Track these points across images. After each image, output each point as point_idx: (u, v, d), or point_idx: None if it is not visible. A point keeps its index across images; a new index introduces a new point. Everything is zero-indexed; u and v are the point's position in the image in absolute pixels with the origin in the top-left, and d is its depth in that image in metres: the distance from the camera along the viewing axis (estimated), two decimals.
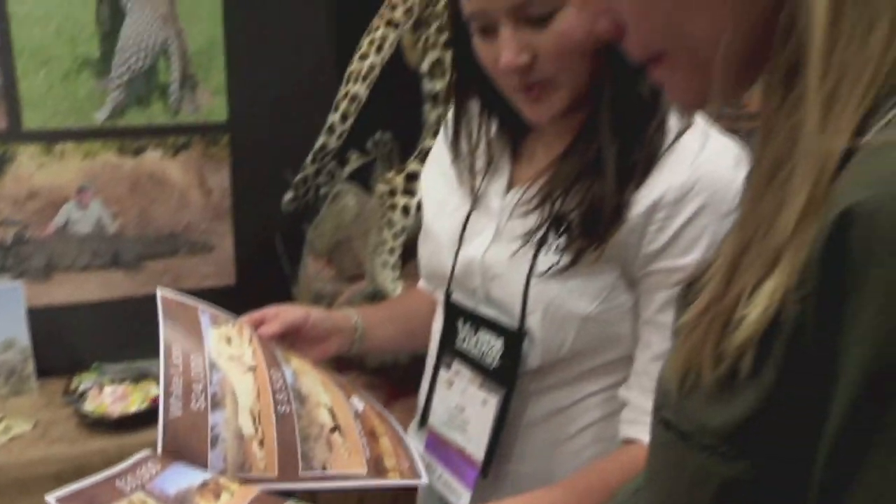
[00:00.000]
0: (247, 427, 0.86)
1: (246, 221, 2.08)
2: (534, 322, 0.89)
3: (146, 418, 1.68)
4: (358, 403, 1.01)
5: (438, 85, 1.63)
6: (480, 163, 1.00)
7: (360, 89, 1.61)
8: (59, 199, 1.93)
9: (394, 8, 1.63)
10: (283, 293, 1.89)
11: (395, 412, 1.10)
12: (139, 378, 1.87)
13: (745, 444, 0.44)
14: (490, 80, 0.90)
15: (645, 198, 0.85)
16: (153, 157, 2.00)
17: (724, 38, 0.47)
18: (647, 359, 0.88)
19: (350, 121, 1.64)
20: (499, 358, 0.92)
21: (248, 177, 2.06)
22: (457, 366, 0.99)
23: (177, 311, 0.98)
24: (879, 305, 0.35)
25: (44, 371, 1.89)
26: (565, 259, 0.87)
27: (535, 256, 0.89)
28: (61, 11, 1.86)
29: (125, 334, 1.99)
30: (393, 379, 1.55)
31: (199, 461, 0.82)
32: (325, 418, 0.93)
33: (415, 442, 1.04)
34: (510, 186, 0.97)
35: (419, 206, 1.60)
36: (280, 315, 1.03)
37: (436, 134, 1.60)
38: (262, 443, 0.86)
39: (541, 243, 0.89)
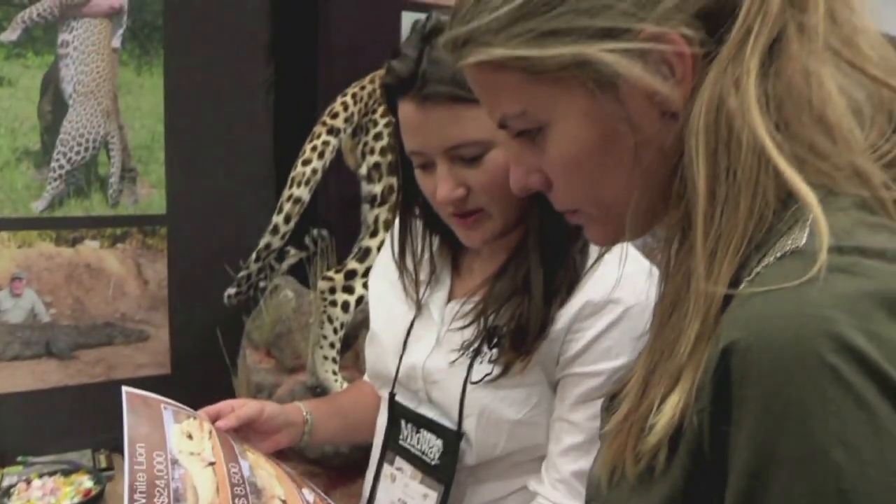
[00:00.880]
0: None
1: (182, 312, 2.12)
2: (470, 425, 0.99)
3: None
4: (308, 495, 1.08)
5: (376, 188, 1.75)
6: (424, 274, 1.10)
7: (303, 193, 1.72)
8: None
9: (335, 116, 1.76)
10: (219, 383, 1.92)
11: (336, 500, 1.17)
12: (70, 472, 1.84)
13: None
14: (431, 204, 1.02)
15: (566, 313, 0.96)
16: (90, 248, 2.03)
17: (633, 198, 0.61)
18: (557, 453, 0.97)
19: (293, 222, 1.74)
20: (438, 456, 1.01)
21: (185, 268, 2.11)
22: (399, 462, 1.07)
23: (140, 408, 1.02)
24: (755, 417, 0.48)
25: None
26: (496, 370, 0.97)
27: (470, 366, 0.99)
28: (2, 103, 1.91)
29: (55, 426, 1.98)
30: (334, 467, 1.61)
31: None
32: None
33: None
34: (450, 298, 1.08)
35: (358, 302, 1.70)
36: (236, 409, 1.08)
37: (373, 234, 1.72)
38: None
39: (475, 354, 0.99)
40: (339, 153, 1.80)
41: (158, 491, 0.93)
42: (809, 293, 0.47)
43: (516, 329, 0.96)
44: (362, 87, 1.77)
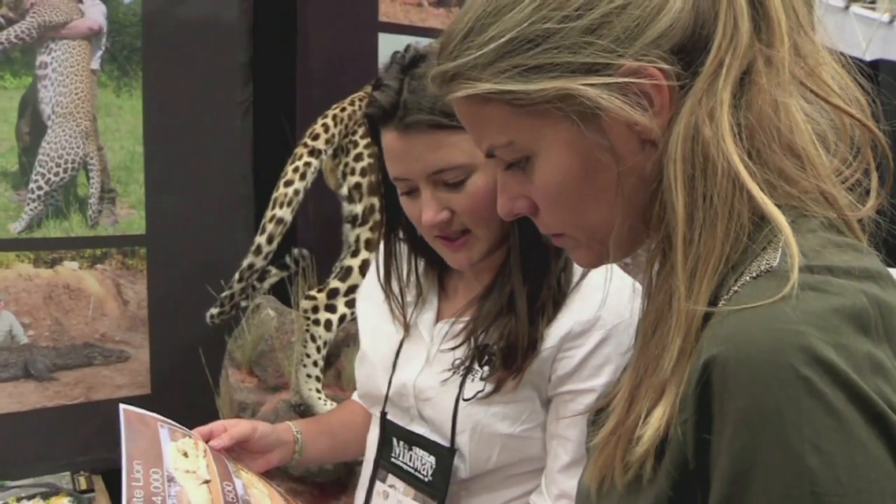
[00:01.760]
0: None
1: (162, 332, 2.12)
2: (463, 441, 1.01)
3: None
4: None
5: (357, 207, 1.78)
6: (411, 296, 1.13)
7: (285, 213, 1.74)
8: None
9: (315, 137, 1.79)
10: (201, 403, 1.93)
11: None
12: (49, 494, 1.83)
13: None
14: (416, 227, 1.05)
15: (556, 332, 0.99)
16: (69, 269, 2.03)
17: (616, 223, 0.65)
18: (557, 469, 1.00)
19: (276, 242, 1.75)
20: (431, 473, 1.03)
21: (165, 288, 2.12)
22: (392, 479, 1.09)
23: (137, 426, 1.03)
24: (735, 426, 0.51)
25: None
26: (488, 387, 1.00)
27: (462, 383, 1.02)
28: None
29: (34, 448, 1.97)
30: (318, 484, 1.62)
31: None
32: None
33: None
34: (438, 318, 1.11)
35: (340, 321, 1.73)
36: (228, 429, 1.10)
37: (354, 253, 1.74)
38: None
39: (467, 372, 1.02)
40: (319, 173, 1.82)
41: None
42: (783, 310, 0.51)
43: (506, 347, 0.99)
44: (342, 109, 1.80)
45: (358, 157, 1.79)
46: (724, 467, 0.52)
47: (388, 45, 2.31)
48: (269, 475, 1.44)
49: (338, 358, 1.85)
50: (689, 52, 0.60)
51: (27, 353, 1.99)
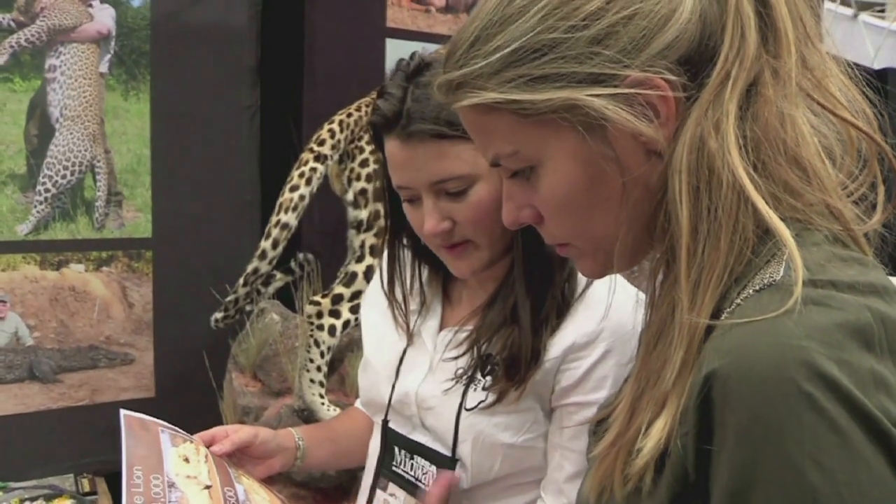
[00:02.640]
0: None
1: (167, 335, 2.12)
2: (465, 450, 1.01)
3: None
4: None
5: (362, 213, 1.78)
6: (414, 304, 1.13)
7: (291, 218, 1.74)
8: None
9: (322, 143, 1.79)
10: (204, 406, 1.93)
11: None
12: (52, 496, 1.84)
13: None
14: (419, 236, 1.04)
15: (559, 343, 0.99)
16: (75, 271, 2.04)
17: (621, 233, 0.64)
18: (563, 480, 0.99)
19: (280, 247, 1.76)
20: (433, 482, 1.02)
21: (170, 291, 2.12)
22: (392, 488, 1.09)
23: (138, 431, 1.03)
24: (736, 441, 0.51)
25: None
26: (491, 397, 0.99)
27: (464, 393, 1.01)
28: None
29: (38, 450, 1.98)
30: (320, 490, 1.62)
31: None
32: None
33: None
34: (442, 327, 1.10)
35: (344, 326, 1.72)
36: (230, 435, 1.09)
37: (359, 259, 1.74)
38: None
39: (469, 381, 1.01)
40: (325, 179, 1.83)
41: None
42: (786, 324, 0.51)
43: (508, 358, 0.98)
44: (349, 115, 1.80)
45: (363, 163, 1.79)
46: (724, 482, 0.51)
47: (396, 51, 2.31)
48: (271, 480, 1.44)
49: (342, 363, 1.85)
50: (696, 63, 0.60)
51: (32, 355, 2.00)
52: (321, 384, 1.71)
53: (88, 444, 2.02)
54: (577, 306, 1.00)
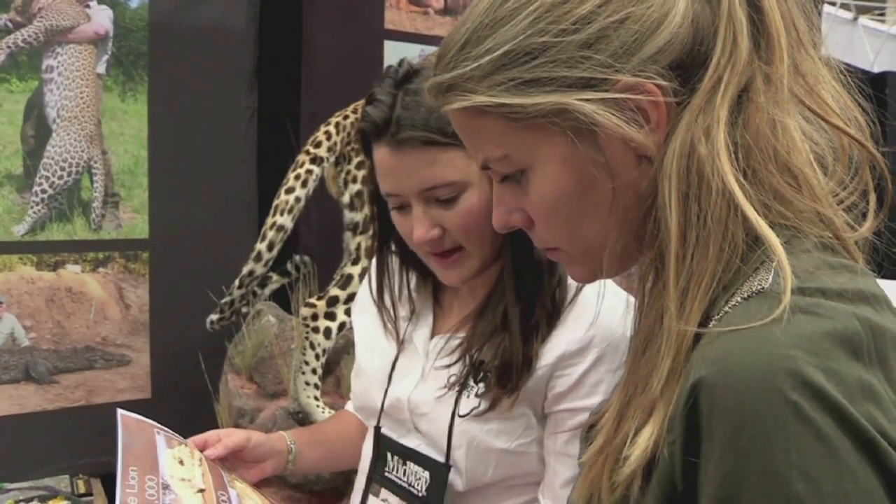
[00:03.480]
0: None
1: (163, 336, 2.12)
2: (459, 456, 1.00)
3: None
4: None
5: (358, 216, 1.78)
6: (404, 311, 1.12)
7: (286, 221, 1.74)
8: None
9: (318, 145, 1.78)
10: (200, 408, 1.92)
11: None
12: (47, 497, 1.83)
13: None
14: (407, 244, 1.04)
15: (551, 350, 0.98)
16: (72, 272, 2.04)
17: (610, 239, 0.64)
18: (559, 485, 0.99)
19: (276, 249, 1.75)
20: (426, 488, 1.03)
21: (167, 293, 2.12)
22: (385, 493, 1.08)
23: (135, 431, 1.03)
24: (722, 450, 0.51)
25: None
26: (484, 404, 0.99)
27: (457, 400, 1.01)
28: None
29: (33, 451, 1.97)
30: (315, 492, 1.62)
31: None
32: None
33: None
34: (433, 334, 1.10)
35: (340, 329, 1.72)
36: (223, 439, 1.10)
37: (355, 261, 1.74)
38: None
39: (462, 387, 1.01)
40: (321, 181, 1.82)
41: None
42: (773, 333, 0.50)
43: (500, 366, 0.98)
44: (345, 117, 1.80)
45: (360, 165, 1.79)
46: (711, 491, 0.51)
47: (394, 53, 2.31)
48: (265, 483, 1.44)
49: (337, 365, 1.84)
50: (688, 68, 0.60)
51: (28, 356, 1.99)
52: (316, 386, 1.71)
53: (84, 445, 2.01)
54: (567, 313, 1.00)
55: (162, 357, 2.12)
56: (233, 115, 2.17)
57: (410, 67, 0.96)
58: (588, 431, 0.71)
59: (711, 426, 0.51)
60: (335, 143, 1.79)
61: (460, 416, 1.00)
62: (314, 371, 1.70)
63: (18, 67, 1.93)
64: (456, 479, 1.01)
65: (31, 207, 1.97)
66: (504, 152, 0.65)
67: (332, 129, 1.78)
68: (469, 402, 1.00)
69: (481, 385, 1.00)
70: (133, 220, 2.10)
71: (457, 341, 1.04)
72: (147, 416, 1.09)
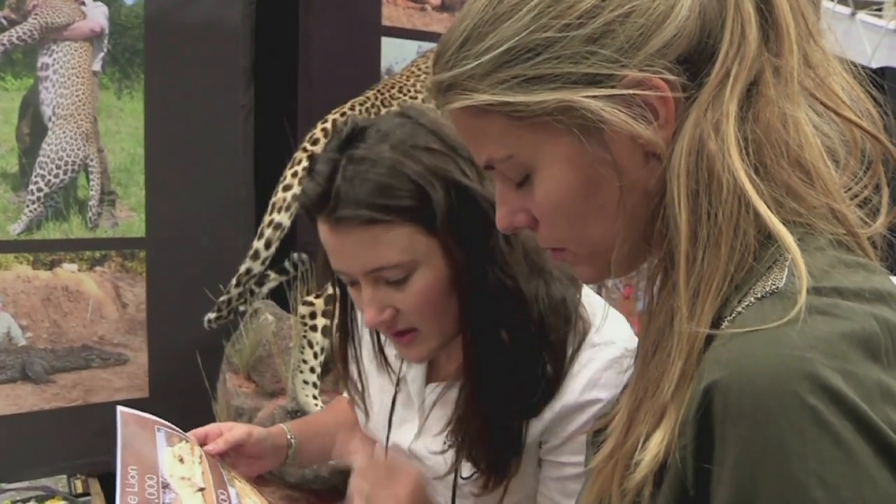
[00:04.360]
0: None
1: (161, 335, 2.11)
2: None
3: None
4: None
5: None
6: (395, 351, 1.04)
7: (284, 218, 1.73)
8: None
9: (315, 142, 1.78)
10: (198, 407, 1.91)
11: None
12: (44, 497, 1.82)
13: None
14: None
15: (542, 420, 0.91)
16: (68, 271, 2.02)
17: (618, 239, 0.63)
18: None
19: (273, 247, 1.74)
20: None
21: (164, 291, 2.10)
22: None
23: (135, 429, 1.01)
24: (736, 456, 0.49)
25: None
26: (481, 481, 0.94)
27: (457, 459, 0.95)
28: None
29: (30, 451, 1.96)
30: (313, 491, 1.61)
31: None
32: None
33: None
34: (428, 379, 1.04)
35: None
36: (224, 433, 1.08)
37: None
38: None
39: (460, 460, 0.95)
40: None
41: None
42: (789, 334, 0.49)
43: (487, 469, 0.93)
44: (342, 114, 1.79)
45: None
46: (724, 497, 0.50)
47: (391, 50, 2.30)
48: (264, 480, 1.43)
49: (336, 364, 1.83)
50: (696, 62, 0.58)
51: (25, 355, 1.98)
52: (314, 385, 1.70)
53: (81, 444, 2.00)
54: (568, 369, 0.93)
55: (159, 356, 2.11)
56: (229, 112, 2.15)
57: (356, 127, 0.89)
58: (595, 436, 0.70)
59: (725, 431, 0.49)
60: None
61: (463, 479, 0.96)
62: (312, 370, 1.69)
63: (13, 65, 1.91)
64: None
65: (27, 206, 1.96)
66: (507, 152, 0.63)
67: (329, 126, 1.77)
68: (469, 467, 0.95)
69: (474, 472, 0.95)
70: (130, 219, 2.08)
71: (453, 393, 0.97)
72: None
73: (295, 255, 2.04)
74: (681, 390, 0.54)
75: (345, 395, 1.27)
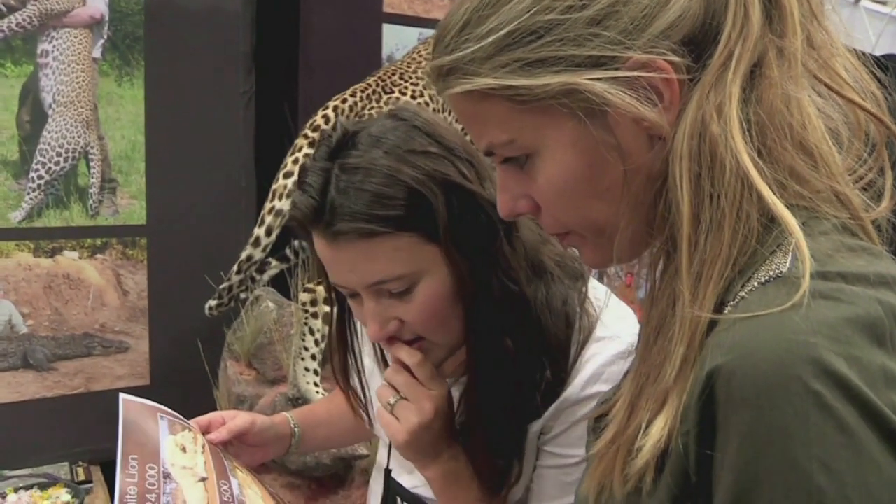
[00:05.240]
0: None
1: (162, 323, 2.11)
2: None
3: None
4: None
5: None
6: None
7: (285, 205, 1.72)
8: None
9: (316, 129, 1.77)
10: (199, 395, 1.92)
11: None
12: (47, 485, 1.82)
13: None
14: None
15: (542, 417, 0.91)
16: (69, 258, 2.02)
17: (622, 222, 0.62)
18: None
19: (274, 234, 1.74)
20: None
21: (165, 279, 2.10)
22: None
23: (136, 417, 1.00)
24: (739, 441, 0.48)
25: None
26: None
27: None
28: None
29: (32, 438, 1.96)
30: (315, 479, 1.61)
31: None
32: None
33: None
34: None
35: None
36: (227, 422, 1.07)
37: None
38: None
39: None
40: None
41: None
42: (793, 319, 0.48)
43: (490, 476, 0.92)
44: (343, 100, 1.78)
45: None
46: (727, 483, 0.49)
47: (392, 36, 2.29)
48: (265, 468, 1.43)
49: None
50: (700, 43, 0.57)
51: (26, 343, 1.98)
52: (315, 372, 1.70)
53: (83, 432, 2.01)
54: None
55: (161, 343, 2.11)
56: (230, 99, 2.14)
57: (346, 132, 0.85)
58: (596, 422, 0.69)
59: (728, 416, 0.49)
60: (334, 126, 1.76)
61: None
62: (313, 357, 1.69)
63: (13, 52, 1.90)
64: None
65: (28, 194, 1.95)
66: (510, 137, 0.62)
67: (330, 112, 1.77)
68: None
69: None
70: (130, 206, 2.08)
71: (454, 391, 0.94)
72: None
73: (296, 243, 2.04)
74: (683, 376, 0.53)
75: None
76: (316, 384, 1.70)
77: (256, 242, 1.75)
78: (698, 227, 0.55)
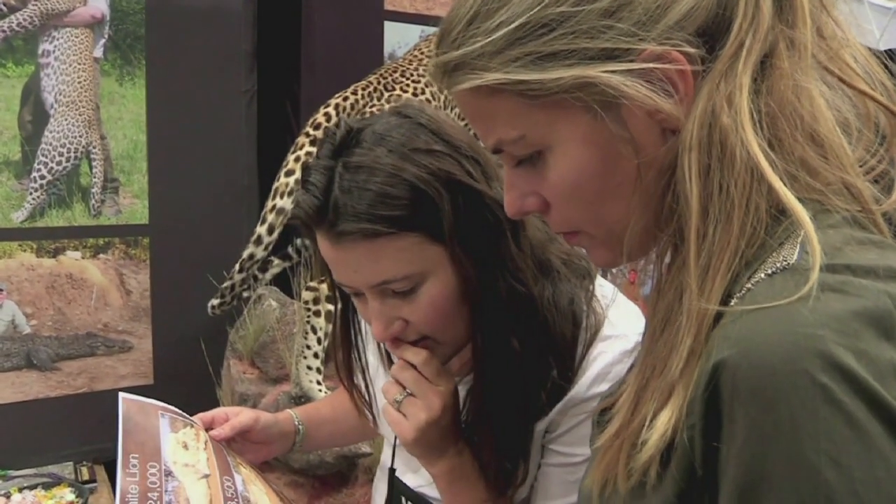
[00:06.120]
0: None
1: (165, 322, 2.11)
2: None
3: None
4: None
5: None
6: None
7: (286, 203, 1.72)
8: None
9: (318, 127, 1.76)
10: (202, 394, 1.91)
11: None
12: (51, 485, 1.82)
13: None
14: None
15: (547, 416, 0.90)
16: (72, 258, 2.02)
17: (632, 220, 0.61)
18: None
19: (276, 233, 1.73)
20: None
21: (168, 278, 2.10)
22: None
23: (136, 415, 1.00)
24: (746, 435, 0.48)
25: None
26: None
27: None
28: None
29: (36, 438, 1.96)
30: (318, 476, 1.61)
31: None
32: None
33: None
34: None
35: None
36: (230, 418, 1.07)
37: None
38: None
39: None
40: None
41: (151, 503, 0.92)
42: (800, 312, 0.47)
43: (496, 476, 0.91)
44: (345, 98, 1.78)
45: None
46: (733, 477, 0.48)
47: (394, 34, 2.28)
48: (269, 466, 1.42)
49: None
50: (713, 34, 0.56)
51: (30, 343, 1.98)
52: (318, 371, 1.69)
53: (87, 432, 2.01)
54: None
55: (164, 343, 2.11)
56: (232, 97, 2.14)
57: (350, 130, 0.83)
58: (601, 416, 0.69)
59: (734, 410, 0.48)
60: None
61: None
62: (316, 355, 1.69)
63: (14, 52, 1.90)
64: None
65: (30, 194, 1.95)
66: (520, 133, 0.61)
67: (331, 110, 1.76)
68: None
69: None
70: (133, 206, 2.08)
71: (461, 391, 0.93)
72: None
73: (298, 241, 2.03)
74: (689, 368, 0.53)
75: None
76: (319, 382, 1.70)
77: (258, 241, 1.74)
78: (707, 218, 0.54)
